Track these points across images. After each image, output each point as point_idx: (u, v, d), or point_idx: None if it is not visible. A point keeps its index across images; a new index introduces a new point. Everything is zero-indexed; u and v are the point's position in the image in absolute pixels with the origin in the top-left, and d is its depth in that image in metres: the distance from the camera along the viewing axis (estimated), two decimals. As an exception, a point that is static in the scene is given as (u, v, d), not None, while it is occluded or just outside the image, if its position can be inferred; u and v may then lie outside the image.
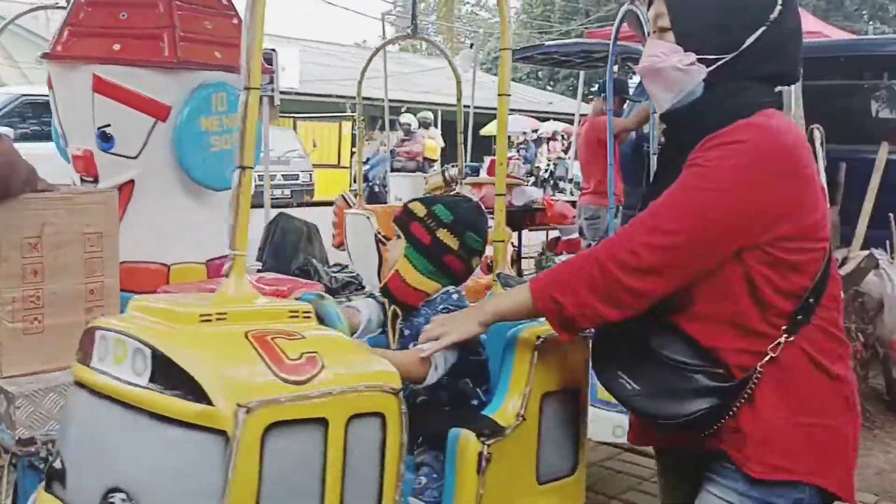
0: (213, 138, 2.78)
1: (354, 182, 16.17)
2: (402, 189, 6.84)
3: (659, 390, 1.44)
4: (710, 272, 1.40)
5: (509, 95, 2.32)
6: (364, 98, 5.67)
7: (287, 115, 19.27)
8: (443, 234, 1.83)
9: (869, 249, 4.06)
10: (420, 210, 1.87)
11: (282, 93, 5.71)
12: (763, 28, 1.41)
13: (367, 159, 11.84)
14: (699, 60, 1.43)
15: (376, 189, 11.71)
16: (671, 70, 1.45)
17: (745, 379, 1.39)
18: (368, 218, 4.43)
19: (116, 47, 2.69)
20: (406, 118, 14.21)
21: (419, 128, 14.40)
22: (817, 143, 4.41)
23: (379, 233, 4.33)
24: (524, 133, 21.53)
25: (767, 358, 1.38)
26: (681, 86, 1.45)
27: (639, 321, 1.45)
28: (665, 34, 1.48)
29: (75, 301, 2.15)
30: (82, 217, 2.15)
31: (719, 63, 1.42)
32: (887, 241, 4.20)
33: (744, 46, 1.41)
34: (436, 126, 23.52)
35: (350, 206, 4.94)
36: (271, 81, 4.04)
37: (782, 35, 1.44)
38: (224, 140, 2.81)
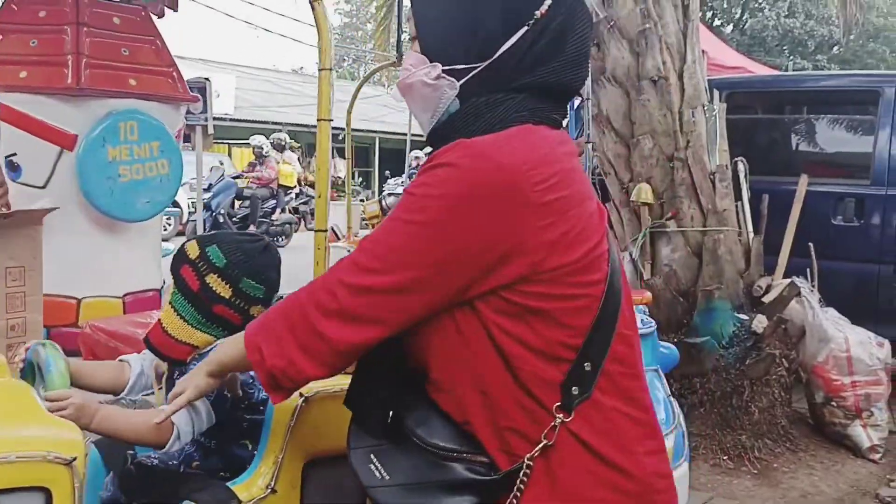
0: (122, 168, 2.71)
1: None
2: (338, 218, 6.79)
3: (410, 483, 1.15)
4: (438, 323, 1.13)
5: (330, 120, 2.23)
6: (300, 125, 5.65)
7: (221, 141, 19.03)
8: (213, 280, 1.61)
9: (791, 278, 4.20)
10: (193, 251, 1.64)
11: (216, 118, 5.63)
12: (525, 29, 1.14)
13: (210, 185, 11.17)
14: (448, 72, 1.16)
15: (220, 219, 11.08)
16: (420, 85, 1.18)
17: (512, 472, 1.10)
18: (349, 251, 4.40)
19: (23, 74, 2.64)
20: (257, 140, 13.24)
21: (272, 150, 13.47)
22: (741, 176, 4.57)
23: None
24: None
25: (540, 446, 1.09)
26: (434, 103, 1.18)
27: (395, 389, 1.19)
28: (415, 43, 1.23)
29: (-5, 337, 2.07)
30: (4, 251, 2.08)
31: (471, 74, 1.16)
32: (808, 270, 4.35)
33: (499, 53, 1.15)
34: (373, 153, 23.52)
35: (338, 239, 4.85)
36: (205, 110, 4.01)
37: (554, 37, 1.16)
38: (135, 170, 2.74)
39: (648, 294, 3.53)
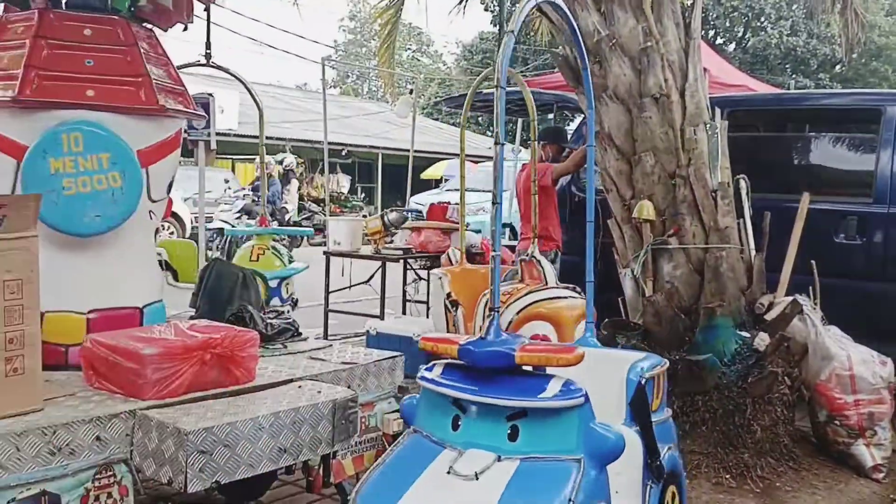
0: (66, 180, 2.64)
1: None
2: (340, 233, 6.79)
3: None
4: None
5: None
6: (304, 140, 5.71)
7: (225, 156, 19.10)
8: None
9: (793, 295, 4.19)
10: None
11: (219, 134, 5.64)
12: None
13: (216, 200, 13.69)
14: None
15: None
16: None
17: None
18: (440, 279, 4.41)
19: None
20: (288, 159, 15.73)
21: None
22: (743, 193, 4.56)
23: (449, 295, 4.26)
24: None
25: None
26: None
27: None
28: None
29: (-6, 351, 2.07)
30: (1, 263, 2.08)
31: None
32: (810, 287, 4.34)
33: None
34: (376, 169, 23.60)
35: (452, 264, 4.92)
36: (207, 126, 4.01)
37: None
38: (80, 182, 2.67)
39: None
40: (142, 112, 2.82)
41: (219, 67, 4.77)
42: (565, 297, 3.94)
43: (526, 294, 3.91)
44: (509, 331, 3.25)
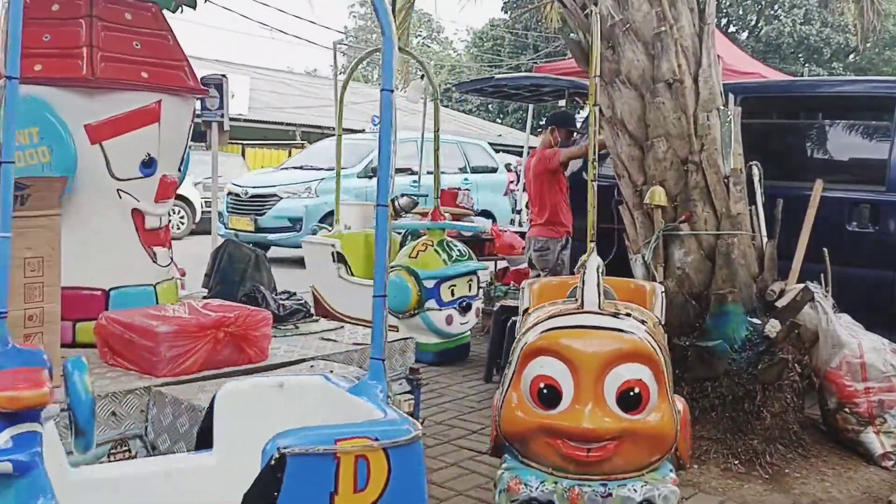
0: None
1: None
2: (351, 218, 6.80)
3: None
4: None
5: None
6: (314, 126, 5.74)
7: (236, 141, 19.12)
8: None
9: (804, 283, 4.18)
10: None
11: (231, 119, 5.65)
12: None
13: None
14: None
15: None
16: None
17: None
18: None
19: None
20: None
21: None
22: (755, 180, 4.55)
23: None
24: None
25: None
26: None
27: None
28: None
29: (12, 328, 2.08)
30: (22, 241, 2.10)
31: None
32: (821, 275, 4.33)
33: None
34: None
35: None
36: (221, 106, 4.01)
37: None
38: (15, 157, 2.69)
39: None
40: (82, 85, 2.70)
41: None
42: (603, 329, 2.46)
43: (548, 318, 2.53)
44: (519, 366, 2.40)
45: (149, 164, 2.91)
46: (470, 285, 5.17)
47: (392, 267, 5.06)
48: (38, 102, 2.65)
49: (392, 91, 1.87)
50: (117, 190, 2.85)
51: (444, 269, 5.05)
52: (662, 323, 2.91)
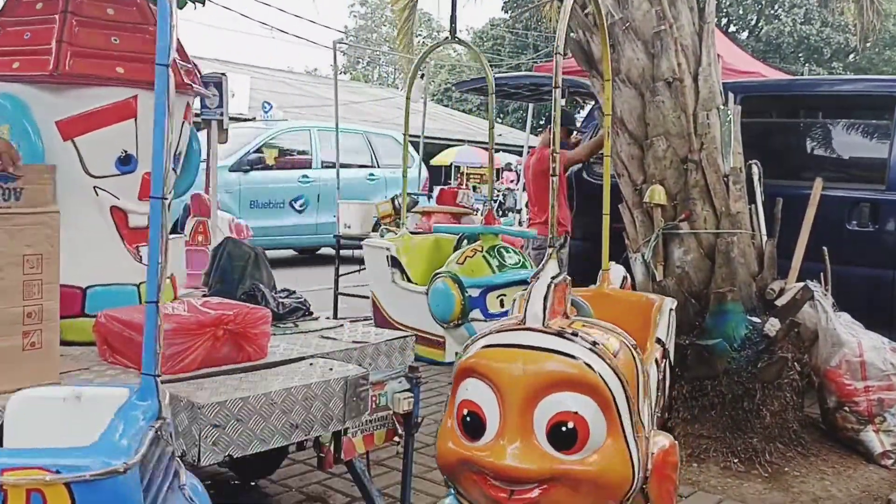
0: None
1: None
2: (351, 217, 6.81)
3: None
4: None
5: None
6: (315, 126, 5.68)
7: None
8: None
9: (804, 281, 4.18)
10: None
11: (231, 118, 5.66)
12: None
13: None
14: None
15: None
16: None
17: None
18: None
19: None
20: None
21: None
22: (755, 179, 4.55)
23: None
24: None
25: None
26: None
27: None
28: None
29: (11, 325, 2.09)
30: (21, 238, 2.10)
31: None
32: (821, 274, 4.33)
33: None
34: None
35: None
36: (221, 105, 4.00)
37: None
38: None
39: None
40: (50, 81, 2.68)
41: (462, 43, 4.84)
42: (540, 349, 2.00)
43: (489, 333, 2.15)
44: (453, 387, 2.10)
45: (126, 162, 2.83)
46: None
47: (438, 273, 4.77)
48: (10, 99, 2.65)
49: (167, 66, 1.54)
50: (94, 187, 2.79)
51: (492, 277, 4.55)
52: (665, 344, 2.66)
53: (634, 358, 2.13)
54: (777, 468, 3.79)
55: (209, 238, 4.24)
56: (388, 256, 5.02)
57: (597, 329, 2.14)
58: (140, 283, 2.87)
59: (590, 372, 1.93)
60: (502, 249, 4.50)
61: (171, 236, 1.91)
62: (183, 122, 2.99)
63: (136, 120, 2.79)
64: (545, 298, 2.06)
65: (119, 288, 2.83)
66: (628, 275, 2.95)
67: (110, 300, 2.75)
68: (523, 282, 4.01)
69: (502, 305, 4.61)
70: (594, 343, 2.01)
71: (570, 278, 2.20)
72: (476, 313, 4.63)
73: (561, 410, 1.89)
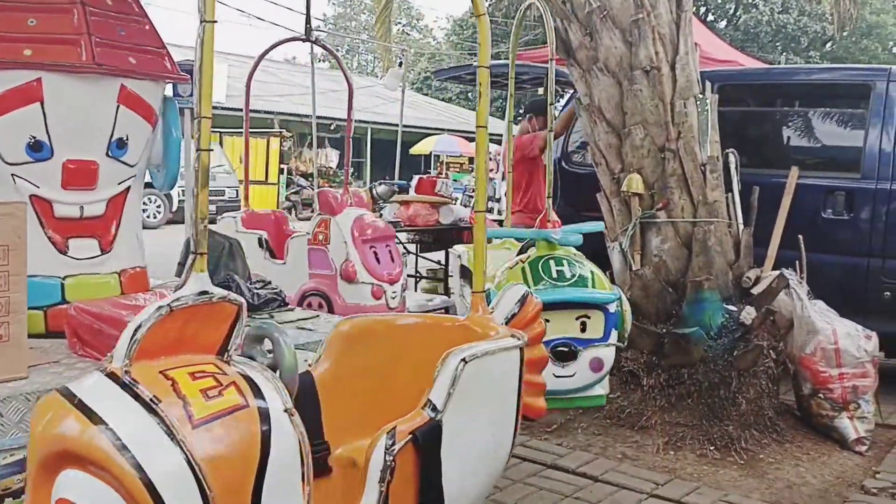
0: None
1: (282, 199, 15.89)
2: (330, 206, 6.76)
3: None
4: None
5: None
6: (293, 115, 5.62)
7: (214, 129, 18.93)
8: None
9: (780, 270, 4.20)
10: None
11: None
12: None
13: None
14: None
15: None
16: None
17: None
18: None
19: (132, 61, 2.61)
20: None
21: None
22: (732, 167, 4.57)
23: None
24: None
25: None
26: None
27: None
28: None
29: (-23, 317, 2.05)
30: (-14, 229, 2.05)
31: None
32: (797, 262, 4.36)
33: None
34: (365, 144, 23.40)
35: None
36: (192, 93, 3.93)
37: None
38: None
39: None
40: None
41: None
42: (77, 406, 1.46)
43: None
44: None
45: (37, 148, 2.68)
46: (583, 323, 3.43)
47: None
48: None
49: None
50: (11, 175, 2.66)
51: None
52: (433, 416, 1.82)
53: (262, 432, 1.45)
54: (752, 455, 3.81)
55: (328, 238, 4.40)
56: (460, 266, 4.53)
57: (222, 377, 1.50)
58: (65, 277, 2.71)
59: (100, 444, 1.33)
60: (559, 260, 3.61)
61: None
62: (118, 106, 2.80)
63: (42, 104, 2.64)
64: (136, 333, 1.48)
65: (41, 280, 2.65)
66: (527, 296, 2.31)
67: (30, 294, 2.48)
68: (583, 304, 3.40)
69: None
70: (153, 399, 1.39)
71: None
72: None
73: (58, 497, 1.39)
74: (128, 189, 2.83)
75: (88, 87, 2.70)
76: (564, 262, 3.58)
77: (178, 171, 3.21)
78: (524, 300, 2.30)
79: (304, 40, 4.70)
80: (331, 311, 4.26)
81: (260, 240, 4.74)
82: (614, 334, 3.43)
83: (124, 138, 2.79)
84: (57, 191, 2.71)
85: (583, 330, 3.44)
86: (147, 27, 2.89)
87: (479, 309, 2.28)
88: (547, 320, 2.80)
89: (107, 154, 2.74)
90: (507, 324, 2.24)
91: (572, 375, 3.52)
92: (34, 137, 2.65)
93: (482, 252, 2.33)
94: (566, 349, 3.40)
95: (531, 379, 2.22)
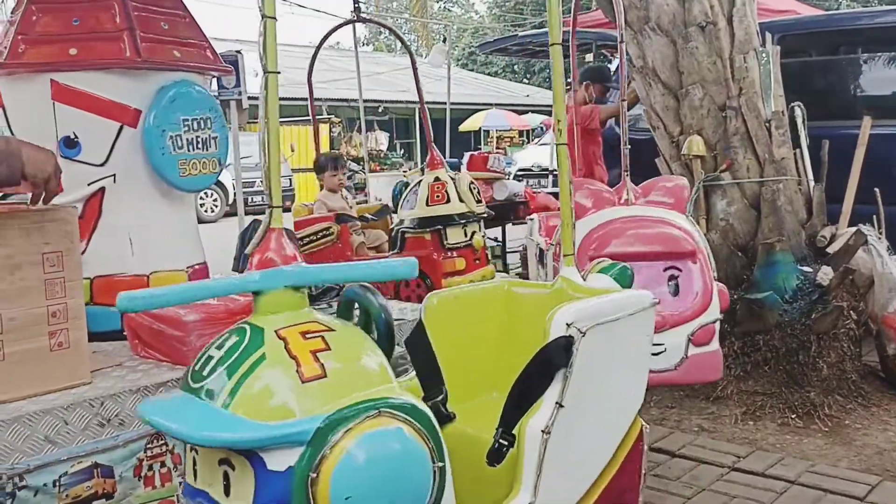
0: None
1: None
2: (382, 190, 6.73)
3: None
4: None
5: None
6: (339, 99, 5.56)
7: (255, 121, 19.05)
8: None
9: (856, 226, 4.01)
10: None
11: (251, 98, 5.57)
12: None
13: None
14: None
15: None
16: None
17: None
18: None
19: (73, 52, 2.52)
20: None
21: None
22: (799, 122, 4.37)
23: None
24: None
25: None
26: None
27: None
28: None
29: (36, 325, 2.03)
30: (40, 236, 2.03)
31: None
32: (874, 217, 4.16)
33: None
34: (413, 124, 23.32)
35: None
36: (238, 84, 3.89)
37: None
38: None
39: None
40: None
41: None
42: None
43: None
44: None
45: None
46: None
47: None
48: None
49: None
50: None
51: None
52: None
53: None
54: (837, 421, 3.65)
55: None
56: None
57: None
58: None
59: None
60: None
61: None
62: (53, 104, 2.67)
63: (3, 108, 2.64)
64: None
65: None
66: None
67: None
68: None
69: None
70: None
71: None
72: None
73: None
74: (101, 190, 2.65)
75: (22, 86, 2.59)
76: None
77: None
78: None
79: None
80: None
81: None
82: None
83: (72, 136, 2.66)
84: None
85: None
86: (188, 20, 2.86)
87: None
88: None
89: (61, 155, 2.53)
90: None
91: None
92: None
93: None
94: None
95: None
